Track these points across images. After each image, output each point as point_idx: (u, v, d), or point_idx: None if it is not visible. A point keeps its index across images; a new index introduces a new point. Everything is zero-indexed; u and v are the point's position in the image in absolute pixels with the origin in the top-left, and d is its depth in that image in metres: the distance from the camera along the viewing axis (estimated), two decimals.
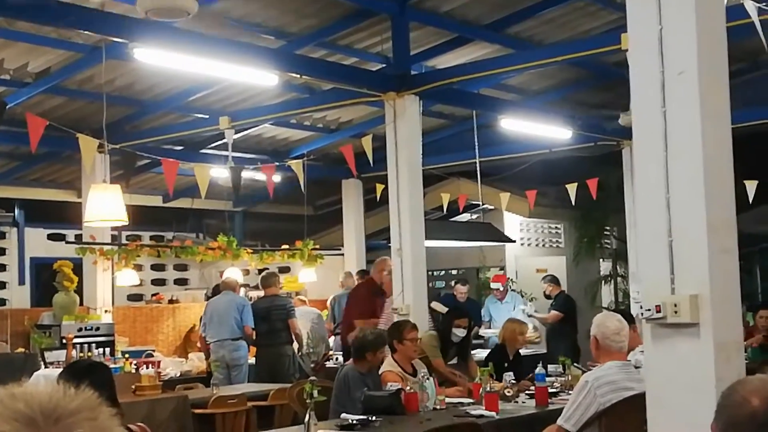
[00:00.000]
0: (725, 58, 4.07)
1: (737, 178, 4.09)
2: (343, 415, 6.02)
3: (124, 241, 12.65)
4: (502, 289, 12.66)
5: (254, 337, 10.61)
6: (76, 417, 1.18)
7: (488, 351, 9.22)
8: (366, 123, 12.78)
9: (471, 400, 6.67)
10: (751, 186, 11.39)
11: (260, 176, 11.56)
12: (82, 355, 9.56)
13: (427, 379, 6.44)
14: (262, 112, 11.14)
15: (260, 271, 13.35)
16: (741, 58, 11.28)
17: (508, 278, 13.17)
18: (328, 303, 12.42)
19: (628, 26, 4.17)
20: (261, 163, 11.07)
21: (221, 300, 10.71)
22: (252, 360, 10.79)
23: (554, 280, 12.50)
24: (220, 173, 10.87)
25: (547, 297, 12.43)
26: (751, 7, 5.11)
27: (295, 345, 10.68)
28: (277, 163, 11.03)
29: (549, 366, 7.40)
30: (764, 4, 5.25)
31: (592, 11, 10.36)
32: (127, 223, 8.48)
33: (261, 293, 11.45)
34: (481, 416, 6.05)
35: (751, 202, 11.34)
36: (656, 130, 3.99)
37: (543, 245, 16.30)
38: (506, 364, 7.66)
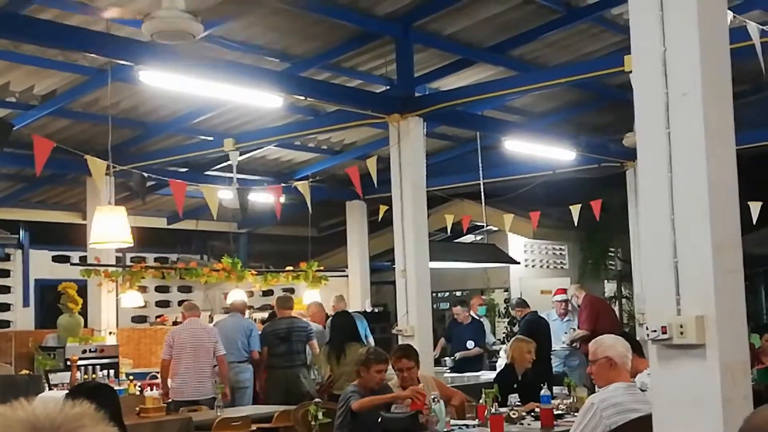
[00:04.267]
0: (729, 79, 4.09)
1: (741, 199, 4.09)
2: None
3: (128, 262, 12.67)
4: (566, 300, 12.27)
5: (269, 358, 10.45)
6: (79, 422, 1.20)
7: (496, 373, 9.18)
8: (370, 145, 12.82)
9: (476, 422, 6.65)
10: (755, 207, 11.40)
11: (265, 198, 11.58)
12: (86, 377, 9.55)
13: (437, 402, 6.39)
14: (266, 134, 11.18)
15: (264, 292, 13.35)
16: (744, 80, 11.30)
17: (569, 299, 12.50)
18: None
19: (632, 48, 4.19)
20: (266, 185, 11.10)
21: (228, 322, 10.68)
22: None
23: (521, 304, 12.07)
24: (224, 195, 10.89)
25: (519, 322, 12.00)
26: (753, 30, 5.13)
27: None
28: (284, 185, 11.06)
29: (555, 387, 7.37)
30: (766, 26, 5.28)
31: (594, 33, 10.40)
32: (132, 245, 8.49)
33: (265, 314, 11.43)
34: None
35: (755, 223, 11.34)
36: (660, 151, 3.99)
37: (547, 266, 16.30)
38: (515, 385, 7.61)
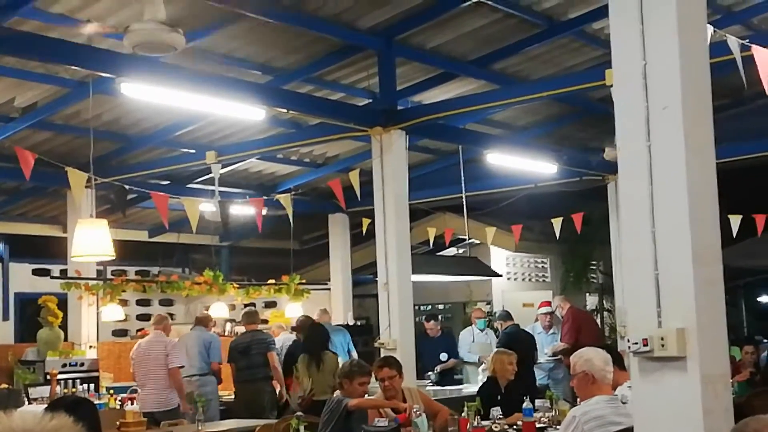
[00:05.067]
0: (709, 93, 4.11)
1: (721, 212, 4.11)
2: None
3: (109, 276, 12.60)
4: (551, 312, 12.20)
5: (233, 373, 10.66)
6: None
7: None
8: (352, 158, 12.82)
9: None
10: (735, 220, 11.45)
11: (247, 211, 11.56)
12: (66, 391, 9.50)
13: (419, 415, 6.37)
14: (248, 147, 11.16)
15: (246, 305, 13.32)
16: (724, 94, 11.39)
17: (553, 311, 12.47)
18: None
19: (613, 61, 4.21)
20: (248, 198, 11.08)
21: (190, 336, 10.73)
22: (231, 396, 10.82)
23: (503, 316, 12.01)
24: (206, 207, 10.87)
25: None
26: (733, 43, 5.18)
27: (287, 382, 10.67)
28: (266, 197, 11.04)
29: (536, 401, 7.36)
30: (746, 41, 5.32)
31: (576, 47, 10.46)
32: (113, 258, 8.45)
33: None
34: None
35: (735, 236, 11.40)
36: (641, 164, 4.01)
37: (529, 279, 16.33)
38: (499, 397, 7.59)
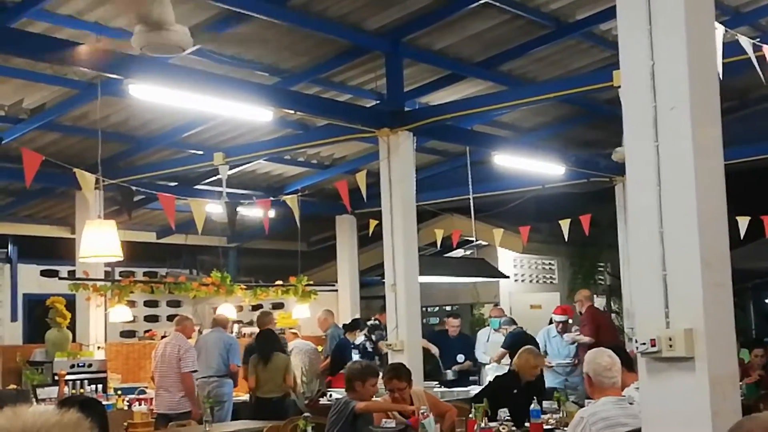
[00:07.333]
0: (717, 94, 4.11)
1: (729, 214, 4.10)
2: None
3: (117, 277, 12.61)
4: (564, 321, 12.06)
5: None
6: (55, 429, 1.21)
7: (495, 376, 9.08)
8: (360, 159, 12.82)
9: None
10: (742, 222, 11.42)
11: (254, 212, 11.57)
12: (74, 391, 9.52)
13: (427, 416, 6.35)
14: (256, 148, 11.17)
15: (254, 307, 13.33)
16: (731, 96, 11.37)
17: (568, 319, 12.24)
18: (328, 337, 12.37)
19: (621, 62, 4.21)
20: (255, 199, 11.09)
21: (209, 337, 10.76)
22: (245, 397, 10.84)
23: (508, 322, 12.06)
24: (214, 209, 10.89)
25: None
26: (745, 43, 5.17)
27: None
28: (272, 199, 11.05)
29: (544, 402, 7.34)
30: (758, 40, 5.31)
31: (583, 49, 10.45)
32: (121, 259, 8.47)
33: (255, 329, 11.48)
34: None
35: (742, 238, 11.36)
36: (649, 165, 4.01)
37: (537, 281, 16.30)
38: (515, 391, 7.50)
